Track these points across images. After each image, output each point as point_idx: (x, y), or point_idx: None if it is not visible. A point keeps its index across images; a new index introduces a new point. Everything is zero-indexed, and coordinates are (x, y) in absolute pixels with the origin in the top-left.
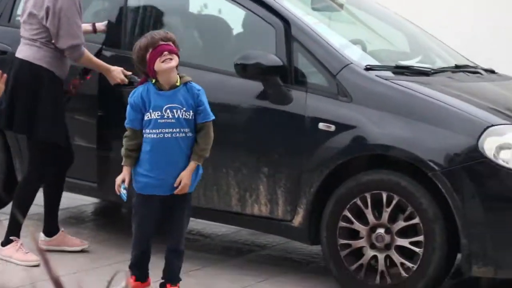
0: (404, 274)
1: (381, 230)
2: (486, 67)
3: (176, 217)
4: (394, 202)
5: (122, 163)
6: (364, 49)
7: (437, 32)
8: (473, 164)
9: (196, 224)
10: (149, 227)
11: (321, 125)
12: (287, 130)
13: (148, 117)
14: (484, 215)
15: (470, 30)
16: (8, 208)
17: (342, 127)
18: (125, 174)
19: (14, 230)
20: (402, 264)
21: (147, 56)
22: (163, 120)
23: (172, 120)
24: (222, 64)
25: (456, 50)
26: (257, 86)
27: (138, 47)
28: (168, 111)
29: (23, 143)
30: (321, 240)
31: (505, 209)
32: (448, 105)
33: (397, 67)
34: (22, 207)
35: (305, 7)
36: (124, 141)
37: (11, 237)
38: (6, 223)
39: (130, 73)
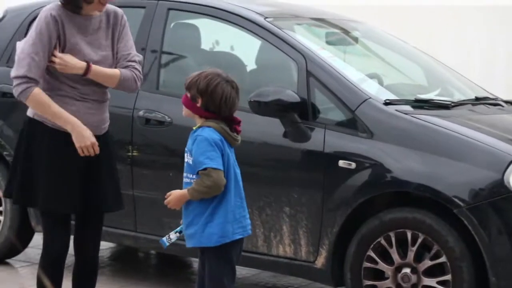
0: None
1: (407, 270)
2: (506, 99)
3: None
4: (419, 240)
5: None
6: (380, 83)
7: (454, 65)
8: (499, 199)
9: None
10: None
11: (341, 163)
12: (306, 168)
13: None
14: None
15: (486, 62)
16: (23, 255)
17: (363, 164)
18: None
19: None
20: None
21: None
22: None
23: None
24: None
25: (474, 82)
26: (274, 123)
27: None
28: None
29: None
30: (345, 282)
31: None
32: (470, 138)
33: (417, 100)
34: None
35: (319, 41)
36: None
37: None
38: (21, 270)
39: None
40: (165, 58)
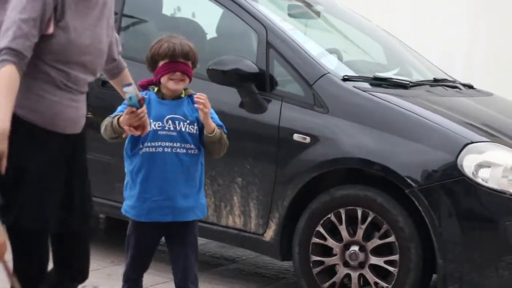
0: None
1: (355, 248)
2: (464, 82)
3: (178, 250)
4: (369, 219)
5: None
6: (340, 58)
7: (416, 46)
8: (451, 182)
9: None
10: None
11: (296, 136)
12: (260, 139)
13: None
14: (461, 235)
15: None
16: None
17: (317, 139)
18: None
19: None
20: (376, 283)
21: (160, 63)
22: (164, 132)
23: (174, 133)
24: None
25: (434, 64)
26: (231, 92)
27: (155, 49)
28: (170, 122)
29: None
30: (293, 256)
31: (482, 229)
32: (426, 119)
33: (375, 78)
34: None
35: (281, 13)
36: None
37: None
38: None
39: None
40: (125, 22)
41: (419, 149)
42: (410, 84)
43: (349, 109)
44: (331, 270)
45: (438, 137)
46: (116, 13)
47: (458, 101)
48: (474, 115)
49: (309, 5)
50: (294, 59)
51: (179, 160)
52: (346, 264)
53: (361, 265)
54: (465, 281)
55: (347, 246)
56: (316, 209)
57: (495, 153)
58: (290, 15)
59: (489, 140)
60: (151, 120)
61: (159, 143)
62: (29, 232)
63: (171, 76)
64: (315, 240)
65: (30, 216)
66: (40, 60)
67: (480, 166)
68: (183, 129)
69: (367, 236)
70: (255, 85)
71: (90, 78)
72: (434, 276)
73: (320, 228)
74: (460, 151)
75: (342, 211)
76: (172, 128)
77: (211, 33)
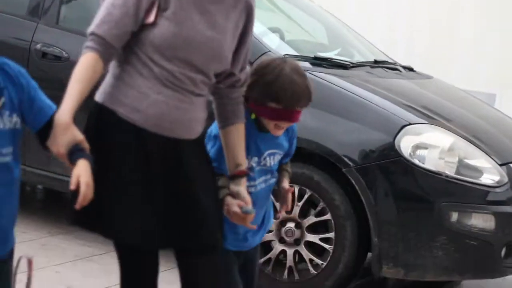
0: (312, 270)
1: (291, 225)
2: (404, 64)
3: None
4: (305, 196)
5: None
6: (282, 38)
7: (358, 28)
8: (388, 162)
9: None
10: None
11: None
12: None
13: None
14: (397, 214)
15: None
16: None
17: None
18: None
19: None
20: (311, 260)
21: (269, 104)
22: (259, 167)
23: (268, 168)
24: None
25: (375, 45)
26: None
27: (273, 90)
28: (267, 158)
29: None
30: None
31: (418, 210)
32: (366, 100)
33: (316, 58)
34: None
35: None
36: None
37: None
38: None
39: None
40: None
41: (357, 128)
42: (351, 64)
43: None
44: (266, 246)
45: (376, 118)
46: None
47: (397, 83)
48: (412, 97)
49: None
50: None
51: (268, 191)
52: (281, 240)
53: (297, 242)
54: (400, 261)
55: (283, 223)
56: None
57: (433, 135)
58: None
59: (427, 122)
60: (249, 158)
61: (255, 182)
62: (125, 247)
63: (276, 123)
64: None
65: (123, 230)
66: (142, 53)
67: (417, 147)
68: (275, 162)
69: (303, 214)
70: None
71: (204, 79)
72: (369, 254)
73: None
74: (398, 132)
75: None
76: (268, 164)
77: None
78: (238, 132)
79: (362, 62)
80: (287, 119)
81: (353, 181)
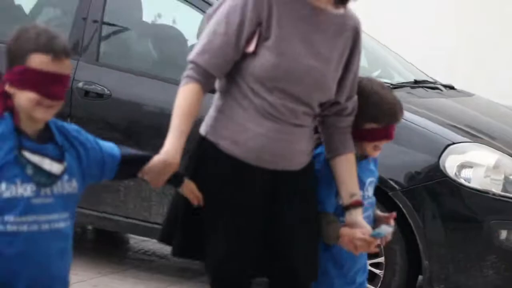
0: None
1: None
2: (445, 83)
3: None
4: None
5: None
6: None
7: (396, 47)
8: (434, 183)
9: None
10: None
11: None
12: None
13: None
14: (445, 236)
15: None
16: None
17: None
18: None
19: None
20: None
21: (364, 124)
22: (366, 201)
23: (371, 200)
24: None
25: (414, 65)
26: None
27: (360, 104)
28: (369, 188)
29: None
30: None
31: (466, 230)
32: (408, 121)
33: None
34: None
35: None
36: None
37: None
38: None
39: None
40: (106, 29)
41: (401, 151)
42: (391, 86)
43: None
44: None
45: (419, 139)
46: (96, 21)
47: (438, 102)
48: (455, 116)
49: None
50: None
51: (369, 223)
52: None
53: None
54: (451, 282)
55: None
56: None
57: (477, 153)
58: None
59: (470, 141)
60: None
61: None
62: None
63: (375, 145)
64: None
65: (220, 265)
66: (244, 82)
67: (462, 166)
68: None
69: None
70: None
71: (306, 110)
72: (420, 278)
73: None
74: (442, 152)
75: None
76: (370, 195)
77: (192, 39)
78: (349, 162)
79: (402, 82)
80: (387, 137)
81: (400, 205)
